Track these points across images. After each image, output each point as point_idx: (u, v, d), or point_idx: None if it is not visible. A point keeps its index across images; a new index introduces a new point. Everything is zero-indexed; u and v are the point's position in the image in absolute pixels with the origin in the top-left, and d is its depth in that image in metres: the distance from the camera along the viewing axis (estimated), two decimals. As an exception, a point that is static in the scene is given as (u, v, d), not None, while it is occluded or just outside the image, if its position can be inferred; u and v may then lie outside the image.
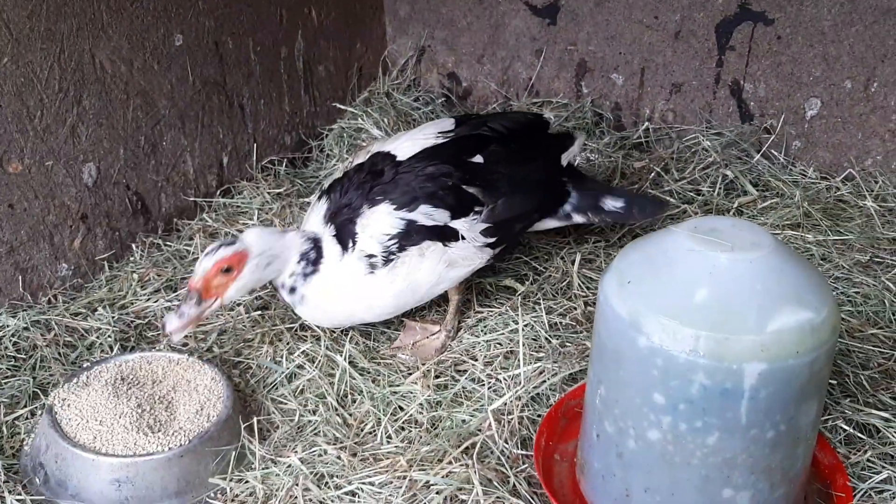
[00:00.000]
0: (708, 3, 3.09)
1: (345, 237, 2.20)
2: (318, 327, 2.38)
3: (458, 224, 2.22)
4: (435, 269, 2.21)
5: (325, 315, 2.27)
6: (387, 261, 2.17)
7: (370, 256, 2.17)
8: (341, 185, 2.29)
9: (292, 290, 2.21)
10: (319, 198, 2.33)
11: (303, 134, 3.40)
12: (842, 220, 2.83)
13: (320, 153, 3.39)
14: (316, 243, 2.21)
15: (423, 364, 2.27)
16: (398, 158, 2.29)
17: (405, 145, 2.32)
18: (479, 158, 2.31)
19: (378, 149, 2.36)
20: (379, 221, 2.18)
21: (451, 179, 2.23)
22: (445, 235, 2.21)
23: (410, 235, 2.18)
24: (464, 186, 2.24)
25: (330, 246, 2.21)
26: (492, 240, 2.28)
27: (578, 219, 2.50)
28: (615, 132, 3.40)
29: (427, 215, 2.19)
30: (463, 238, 2.22)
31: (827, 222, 2.78)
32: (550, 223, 2.50)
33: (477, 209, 2.24)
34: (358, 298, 2.21)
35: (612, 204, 2.50)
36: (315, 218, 2.28)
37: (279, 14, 3.13)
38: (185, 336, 2.36)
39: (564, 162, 2.52)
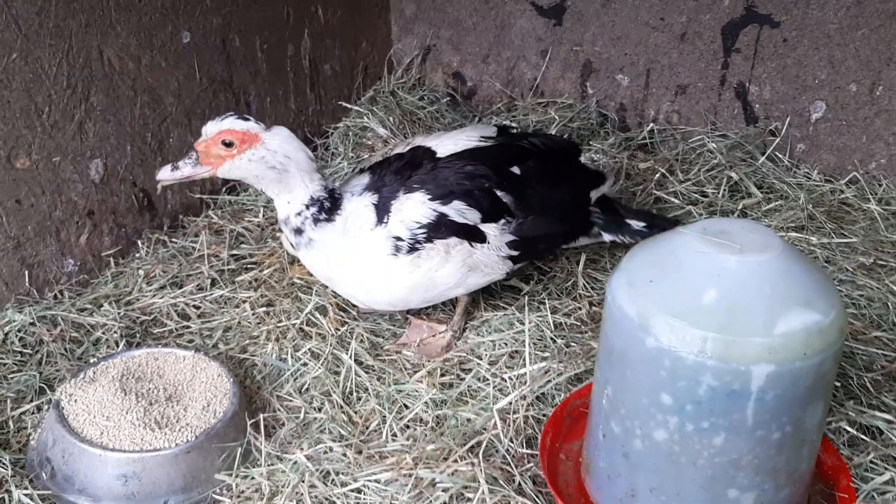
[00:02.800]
0: (714, 5, 3.09)
1: (382, 211, 2.19)
2: (328, 325, 2.37)
3: (487, 228, 2.22)
4: (457, 272, 2.22)
5: (328, 269, 2.24)
6: (412, 249, 2.17)
7: (398, 239, 2.16)
8: (381, 167, 2.30)
9: (298, 230, 2.18)
10: (360, 172, 2.34)
11: (308, 132, 3.41)
12: (846, 222, 2.83)
13: (325, 151, 3.40)
14: (335, 198, 2.18)
15: (428, 362, 2.28)
16: (438, 154, 2.30)
17: (446, 143, 2.34)
18: (516, 170, 2.31)
19: (419, 143, 2.38)
20: (412, 208, 2.18)
21: (488, 182, 2.24)
22: (473, 236, 2.21)
23: (440, 228, 2.18)
24: (499, 192, 2.25)
25: (364, 210, 2.19)
26: (515, 253, 2.28)
27: (608, 237, 2.53)
28: (620, 133, 3.40)
29: (459, 212, 2.20)
30: (488, 244, 2.22)
31: (831, 225, 2.79)
32: (581, 241, 2.52)
33: (507, 219, 2.25)
34: (368, 273, 2.20)
35: (637, 224, 2.54)
36: (355, 182, 2.27)
37: (286, 12, 3.13)
38: (191, 334, 2.37)
39: (593, 198, 2.51)
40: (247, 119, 2.06)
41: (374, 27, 3.66)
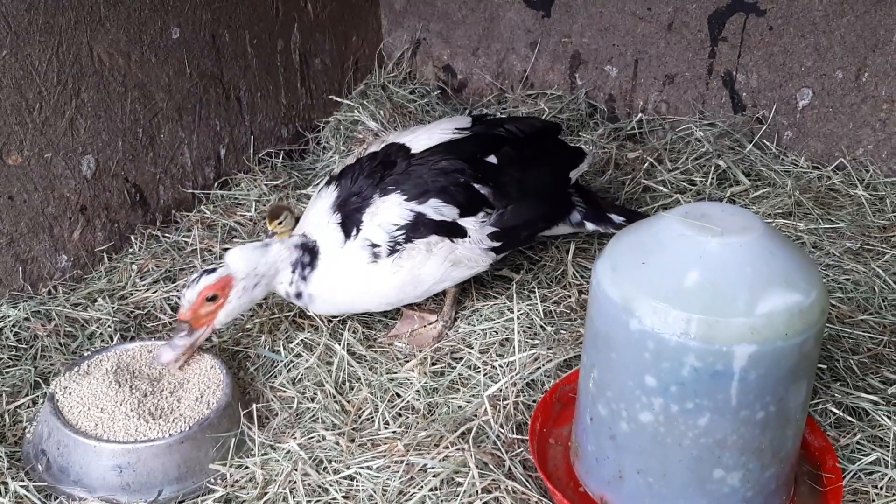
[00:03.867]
0: (700, -5, 3.12)
1: (349, 226, 2.20)
2: (320, 318, 2.40)
3: (466, 222, 2.23)
4: (440, 267, 2.23)
5: (334, 305, 2.28)
6: (392, 251, 2.18)
7: (373, 245, 2.18)
8: (353, 172, 2.30)
9: (298, 295, 2.22)
10: (328, 183, 2.34)
11: (299, 126, 3.42)
12: (833, 208, 2.86)
13: (317, 145, 3.41)
14: (305, 247, 2.21)
15: (420, 352, 2.30)
16: (412, 151, 2.29)
17: (421, 138, 2.33)
18: (492, 159, 2.32)
19: (393, 140, 2.37)
20: (388, 211, 2.19)
21: (463, 176, 2.24)
22: (453, 232, 2.22)
23: (418, 228, 2.19)
24: (475, 185, 2.25)
25: (331, 234, 2.21)
26: (497, 244, 2.29)
27: (591, 227, 2.53)
28: (609, 123, 3.42)
29: (436, 209, 2.20)
30: (469, 238, 2.23)
31: (818, 211, 2.81)
32: (563, 229, 2.53)
33: (487, 211, 2.25)
34: (359, 286, 2.22)
35: (617, 218, 2.53)
36: (321, 205, 2.28)
37: (275, 7, 3.15)
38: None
39: (573, 178, 2.52)
40: (212, 269, 2.10)
41: (363, 21, 3.67)
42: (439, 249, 2.21)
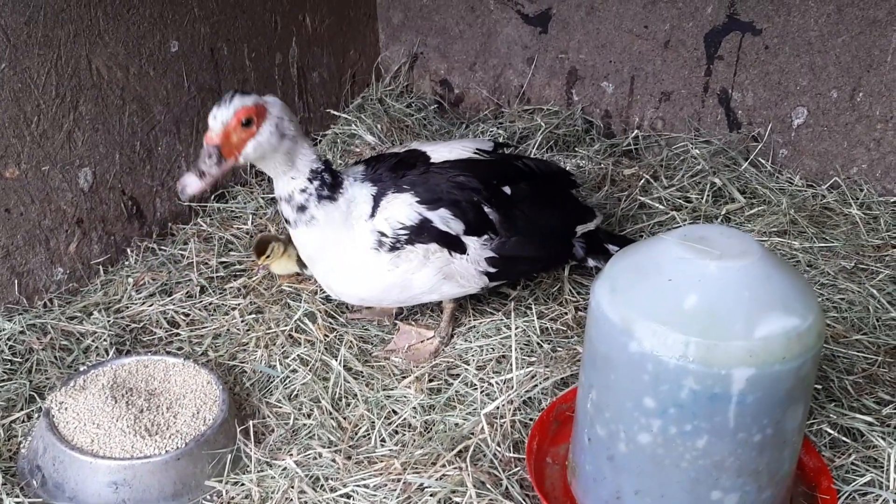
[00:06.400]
0: (697, 13, 3.14)
1: (375, 205, 2.18)
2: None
3: (468, 240, 2.23)
4: (432, 278, 2.23)
5: (318, 251, 2.20)
6: (393, 248, 2.17)
7: (381, 234, 2.17)
8: (377, 162, 2.30)
9: (301, 207, 2.11)
10: (356, 164, 2.33)
11: (296, 139, 3.42)
12: (827, 227, 2.88)
13: (313, 159, 3.41)
14: (333, 172, 2.14)
15: (417, 368, 2.30)
16: (432, 160, 2.31)
17: (441, 151, 2.35)
18: (507, 189, 2.32)
19: (415, 146, 2.39)
20: (397, 209, 2.18)
21: (477, 196, 2.24)
22: (453, 246, 2.22)
23: (421, 232, 2.18)
24: (486, 208, 2.25)
25: (366, 202, 2.17)
26: (493, 270, 2.28)
27: (592, 263, 2.53)
28: (605, 139, 3.44)
29: (443, 220, 2.20)
30: (468, 255, 2.23)
31: (813, 229, 2.83)
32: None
33: (490, 235, 2.25)
34: (350, 263, 2.18)
35: (612, 249, 2.53)
36: (354, 169, 2.26)
37: (273, 21, 3.15)
38: (179, 336, 2.39)
39: (578, 233, 2.49)
40: (245, 92, 1.96)
41: (361, 35, 3.69)
42: (436, 259, 2.21)
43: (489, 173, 2.32)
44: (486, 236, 2.25)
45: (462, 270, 2.25)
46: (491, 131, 3.51)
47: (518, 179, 2.36)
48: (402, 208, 2.19)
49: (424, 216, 2.19)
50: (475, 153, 2.38)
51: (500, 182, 2.32)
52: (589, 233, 2.52)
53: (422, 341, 2.41)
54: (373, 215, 2.18)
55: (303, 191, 2.10)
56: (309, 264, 2.31)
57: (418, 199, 2.20)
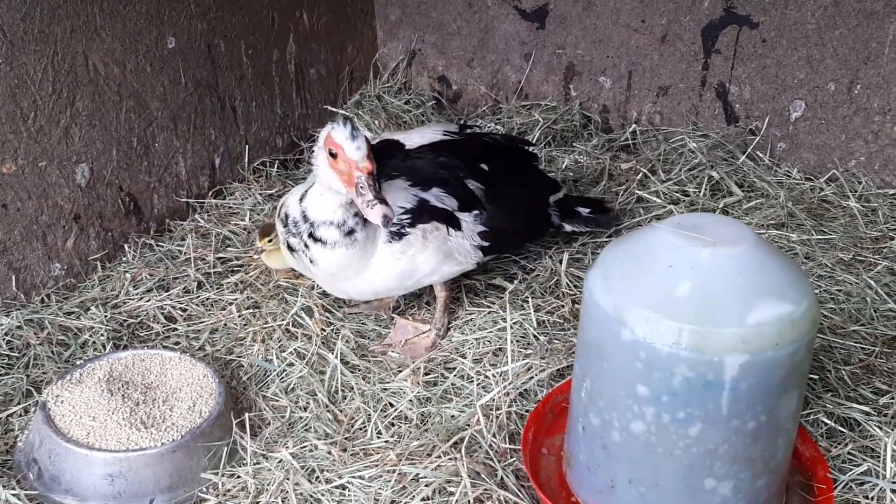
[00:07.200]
0: (694, 7, 3.13)
1: None
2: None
3: (461, 216, 2.28)
4: (434, 258, 2.24)
5: (339, 271, 2.19)
6: (400, 235, 2.18)
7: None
8: None
9: (350, 232, 2.11)
10: None
11: (294, 136, 3.43)
12: (825, 219, 2.87)
13: (312, 154, 3.41)
14: None
15: (413, 362, 2.30)
16: (407, 147, 2.37)
17: (414, 137, 2.42)
18: (484, 167, 2.39)
19: (387, 137, 2.44)
20: (395, 194, 2.20)
21: (462, 172, 2.31)
22: (451, 222, 2.26)
23: (422, 213, 2.21)
24: (471, 184, 2.32)
25: None
26: (486, 244, 2.32)
27: (568, 227, 2.66)
28: (603, 134, 3.44)
29: (438, 198, 2.25)
30: (462, 232, 2.27)
31: (811, 222, 2.82)
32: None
33: (479, 210, 2.30)
34: (372, 265, 2.19)
35: (583, 211, 2.70)
36: None
37: (271, 17, 3.16)
38: (176, 335, 2.39)
39: (551, 202, 2.62)
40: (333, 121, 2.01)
41: (359, 32, 3.69)
42: (434, 238, 2.23)
43: (465, 152, 2.39)
44: (475, 212, 2.30)
45: (458, 247, 2.28)
46: (489, 127, 3.51)
47: (491, 156, 2.45)
48: (399, 193, 2.21)
49: (421, 196, 2.22)
50: (444, 135, 2.46)
51: (476, 160, 2.39)
52: (559, 200, 2.63)
53: (418, 335, 2.41)
54: None
55: (355, 215, 2.10)
56: (323, 280, 2.28)
57: (410, 182, 2.23)
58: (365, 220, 2.10)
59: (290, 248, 2.23)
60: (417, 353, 2.35)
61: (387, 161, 2.29)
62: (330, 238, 2.12)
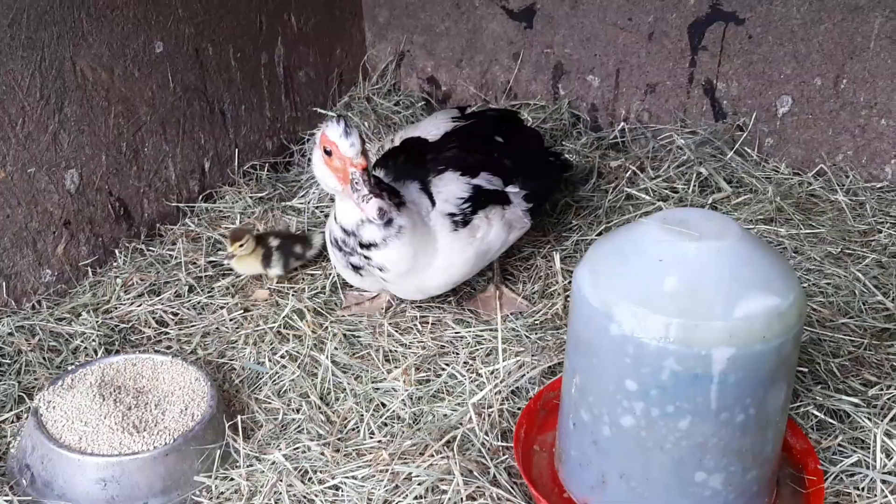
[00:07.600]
0: (680, 4, 3.15)
1: (429, 195, 2.27)
2: (305, 326, 2.40)
3: (508, 189, 2.41)
4: (501, 232, 2.34)
5: (409, 267, 2.20)
6: (465, 222, 2.26)
7: (452, 215, 2.25)
8: (389, 161, 2.39)
9: (389, 222, 2.10)
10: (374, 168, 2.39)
11: (284, 139, 3.43)
12: (814, 214, 2.89)
13: (302, 157, 3.42)
14: (378, 179, 2.23)
15: (404, 358, 2.29)
16: (430, 140, 2.45)
17: (429, 129, 2.52)
18: (499, 138, 2.53)
19: (406, 135, 2.52)
20: (450, 186, 2.28)
21: (496, 151, 2.43)
22: (503, 200, 2.38)
23: (479, 199, 2.29)
24: (503, 160, 2.44)
25: (421, 196, 2.26)
26: (530, 205, 2.45)
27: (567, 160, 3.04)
28: (592, 133, 3.45)
29: (488, 181, 2.34)
30: (512, 203, 2.39)
31: (799, 216, 2.84)
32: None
33: (514, 179, 2.44)
34: (442, 254, 2.24)
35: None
36: (382, 175, 2.34)
37: (259, 21, 3.16)
38: (169, 339, 2.39)
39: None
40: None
41: (347, 34, 3.69)
42: (494, 215, 2.33)
43: (482, 132, 2.54)
44: (512, 183, 2.43)
45: (513, 217, 2.39)
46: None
47: (500, 128, 2.61)
48: (454, 184, 2.29)
49: (473, 183, 2.31)
50: (453, 121, 2.56)
51: (492, 135, 2.54)
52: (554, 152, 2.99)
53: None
54: (434, 204, 2.26)
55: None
56: (401, 285, 2.28)
57: (459, 171, 2.31)
58: (398, 205, 2.13)
59: (357, 269, 2.24)
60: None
61: (425, 157, 2.36)
62: (376, 237, 2.13)
